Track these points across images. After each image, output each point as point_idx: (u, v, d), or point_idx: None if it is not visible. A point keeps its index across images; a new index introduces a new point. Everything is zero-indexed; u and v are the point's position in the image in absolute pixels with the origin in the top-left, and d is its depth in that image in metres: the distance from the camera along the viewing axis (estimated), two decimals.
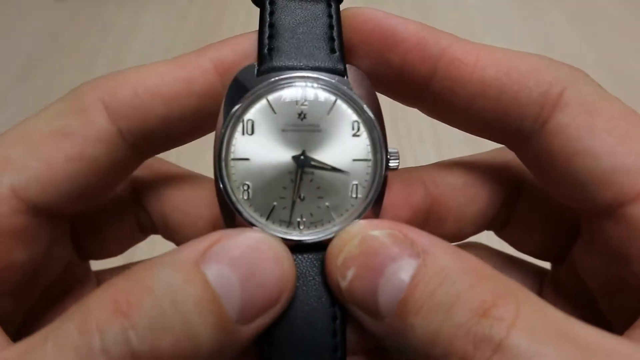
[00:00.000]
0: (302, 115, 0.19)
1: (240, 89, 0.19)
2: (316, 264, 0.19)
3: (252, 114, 0.19)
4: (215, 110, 0.20)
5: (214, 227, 0.23)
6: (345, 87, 0.19)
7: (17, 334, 0.20)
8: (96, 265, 0.26)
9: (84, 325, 0.15)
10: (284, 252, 0.18)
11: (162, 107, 0.20)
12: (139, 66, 0.20)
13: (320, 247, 0.19)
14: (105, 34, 0.71)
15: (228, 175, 0.19)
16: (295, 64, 0.19)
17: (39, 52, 0.68)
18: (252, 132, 0.19)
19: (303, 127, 0.19)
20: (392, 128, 0.56)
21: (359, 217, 0.19)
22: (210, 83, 0.20)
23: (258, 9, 0.20)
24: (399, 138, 0.55)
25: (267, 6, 0.20)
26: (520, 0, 0.75)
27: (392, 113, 0.58)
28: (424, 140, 0.55)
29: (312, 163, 0.19)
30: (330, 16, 0.20)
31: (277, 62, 0.19)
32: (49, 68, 0.66)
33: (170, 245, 0.26)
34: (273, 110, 0.19)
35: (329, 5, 0.20)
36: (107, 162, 0.20)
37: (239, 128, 0.19)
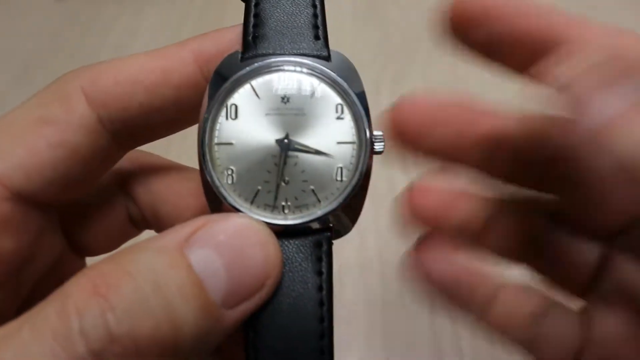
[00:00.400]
0: (285, 99, 0.19)
1: (224, 74, 0.19)
2: (302, 250, 0.19)
3: (235, 98, 0.19)
4: (196, 102, 0.20)
5: None
6: (329, 71, 0.19)
7: None
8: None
9: (62, 308, 0.15)
10: (269, 237, 0.18)
11: (141, 96, 0.20)
12: (122, 57, 0.21)
13: (306, 231, 0.19)
14: (105, 34, 0.71)
15: (212, 160, 0.19)
16: (279, 51, 0.20)
17: (39, 52, 0.68)
18: (236, 117, 0.19)
19: (287, 111, 0.19)
20: None
21: (345, 200, 0.19)
22: (190, 74, 0.20)
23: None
24: None
25: None
26: None
27: None
28: None
29: (296, 146, 0.19)
30: (314, 6, 0.20)
31: (261, 50, 0.20)
32: (49, 68, 0.66)
33: None
34: (257, 94, 0.19)
35: (314, 6, 0.20)
36: (88, 149, 0.20)
37: (223, 113, 0.19)
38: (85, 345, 0.14)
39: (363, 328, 0.39)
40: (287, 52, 0.20)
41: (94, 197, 0.24)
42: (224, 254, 0.16)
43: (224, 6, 0.74)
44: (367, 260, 0.44)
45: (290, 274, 0.18)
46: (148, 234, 0.26)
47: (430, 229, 0.23)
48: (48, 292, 0.22)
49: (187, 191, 0.24)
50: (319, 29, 0.20)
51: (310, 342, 0.18)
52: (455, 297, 0.23)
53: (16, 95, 0.62)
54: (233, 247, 0.17)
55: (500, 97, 0.61)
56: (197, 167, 0.23)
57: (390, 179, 0.50)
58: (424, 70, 0.64)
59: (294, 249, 0.19)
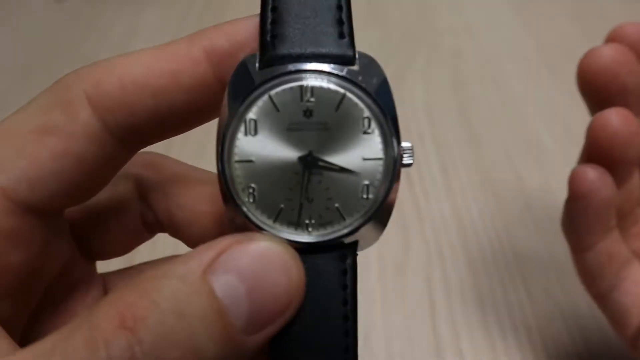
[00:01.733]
0: (308, 113, 0.18)
1: (242, 84, 0.18)
2: (327, 264, 0.18)
3: (254, 112, 0.18)
4: (207, 102, 0.19)
5: (219, 223, 0.23)
6: (355, 79, 0.18)
7: (23, 337, 0.20)
8: (100, 267, 0.26)
9: (90, 338, 0.15)
10: (292, 260, 0.17)
11: (149, 100, 0.19)
12: (127, 54, 0.19)
13: (330, 247, 0.18)
14: (105, 34, 0.71)
15: (232, 177, 0.18)
16: (300, 52, 0.18)
17: (39, 52, 0.68)
18: (256, 133, 0.18)
19: (309, 125, 0.18)
20: None
21: (370, 217, 0.18)
22: (201, 75, 0.19)
23: (259, 9, 0.19)
24: None
25: None
26: (521, 0, 0.75)
27: None
28: (424, 140, 0.55)
29: (320, 164, 0.18)
30: None
31: (280, 51, 0.18)
32: (49, 68, 0.66)
33: (171, 243, 0.26)
34: (276, 108, 0.18)
35: None
36: (94, 157, 0.19)
37: (242, 128, 0.18)
38: None
39: (363, 328, 0.39)
40: (309, 54, 0.18)
41: (108, 202, 0.23)
42: (247, 279, 0.16)
43: (224, 6, 0.74)
44: (367, 260, 0.44)
45: (316, 289, 0.18)
46: (162, 237, 0.26)
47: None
48: (56, 297, 0.22)
49: (204, 196, 0.23)
50: (344, 24, 0.18)
51: (335, 355, 0.18)
52: None
53: (16, 95, 0.62)
54: (256, 272, 0.16)
55: (501, 97, 0.61)
56: (212, 169, 0.23)
57: None
58: (424, 70, 0.64)
59: (318, 264, 0.18)
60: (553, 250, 0.44)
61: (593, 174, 0.29)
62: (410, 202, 0.48)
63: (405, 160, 0.18)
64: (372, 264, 0.44)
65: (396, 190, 0.18)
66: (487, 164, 0.52)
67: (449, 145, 0.54)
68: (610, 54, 0.29)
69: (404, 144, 0.18)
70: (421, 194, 0.49)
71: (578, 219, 0.30)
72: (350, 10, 0.19)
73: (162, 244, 0.27)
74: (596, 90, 0.30)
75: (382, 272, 0.43)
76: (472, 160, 0.52)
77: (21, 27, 0.73)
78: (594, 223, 0.30)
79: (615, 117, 0.28)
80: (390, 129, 0.18)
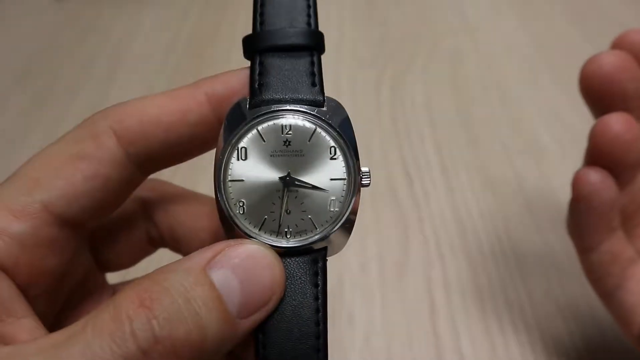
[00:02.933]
0: (287, 143, 0.22)
1: (236, 120, 0.23)
2: (302, 266, 0.22)
3: (245, 142, 0.22)
4: (207, 136, 0.24)
5: (216, 237, 0.27)
6: (323, 117, 0.23)
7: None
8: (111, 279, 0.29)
9: (116, 315, 0.18)
10: (275, 260, 0.21)
11: (162, 134, 0.23)
12: (142, 97, 0.24)
13: (305, 251, 0.22)
14: (105, 34, 0.71)
15: (226, 194, 0.22)
16: (281, 97, 0.23)
17: (39, 52, 0.68)
18: (246, 158, 0.22)
19: (288, 152, 0.22)
20: (392, 128, 0.56)
21: (336, 226, 0.22)
22: (204, 114, 0.24)
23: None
24: (398, 139, 0.55)
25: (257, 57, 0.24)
26: (520, 0, 0.75)
27: (392, 114, 0.58)
28: (424, 140, 0.55)
29: (296, 182, 0.22)
30: (311, 55, 0.24)
31: (266, 96, 0.23)
32: (49, 68, 0.66)
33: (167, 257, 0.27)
34: (262, 139, 0.22)
35: (311, 55, 0.24)
36: (117, 179, 0.23)
37: (235, 154, 0.22)
38: (136, 344, 0.18)
39: (363, 327, 0.40)
40: (288, 98, 0.23)
41: (120, 221, 0.28)
42: (239, 274, 0.20)
43: (224, 6, 0.74)
44: (367, 260, 0.44)
45: (292, 286, 0.22)
46: (162, 251, 0.30)
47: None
48: (76, 302, 0.26)
49: (201, 215, 0.28)
50: (315, 76, 0.23)
51: (309, 342, 0.22)
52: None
53: (16, 95, 0.62)
54: (246, 268, 0.20)
55: (501, 97, 0.61)
56: (202, 189, 0.29)
57: (390, 180, 0.51)
58: (424, 70, 0.64)
59: (295, 265, 0.22)
60: (553, 250, 0.44)
61: (595, 177, 0.30)
62: (410, 202, 0.49)
63: (364, 181, 0.23)
64: (372, 263, 0.44)
65: (356, 208, 0.23)
66: (487, 164, 0.52)
67: (449, 145, 0.54)
68: (612, 61, 0.30)
69: (363, 168, 0.23)
70: (421, 194, 0.49)
71: (581, 220, 0.31)
72: (320, 65, 0.24)
73: (156, 261, 0.30)
74: (598, 96, 0.31)
75: (382, 272, 0.43)
76: (472, 160, 0.52)
77: (21, 27, 0.73)
78: (597, 224, 0.31)
79: (616, 122, 0.30)
80: (352, 156, 0.23)
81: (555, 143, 0.54)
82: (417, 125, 0.56)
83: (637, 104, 0.31)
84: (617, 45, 0.31)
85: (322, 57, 0.24)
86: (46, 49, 0.69)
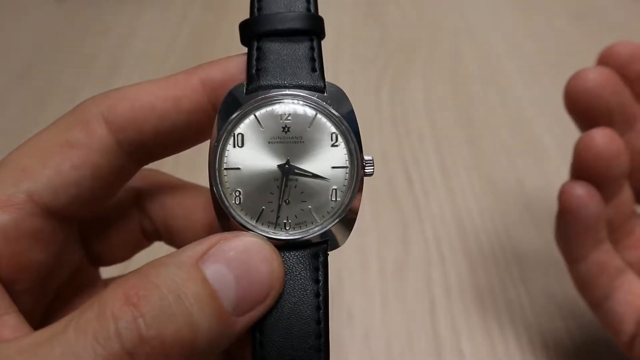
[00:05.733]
0: (286, 129, 0.21)
1: (232, 106, 0.21)
2: (302, 261, 0.21)
3: (242, 128, 0.21)
4: (203, 124, 0.23)
5: (212, 231, 0.26)
6: (324, 103, 0.21)
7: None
8: (104, 273, 0.28)
9: (101, 313, 0.17)
10: (273, 253, 0.20)
11: (155, 121, 0.22)
12: (135, 84, 0.23)
13: (305, 244, 0.21)
14: (105, 34, 0.71)
15: (221, 182, 0.21)
16: (280, 83, 0.22)
17: (39, 52, 0.68)
18: (242, 145, 0.21)
19: (287, 139, 0.21)
20: (392, 128, 0.56)
21: (338, 217, 0.21)
22: (199, 100, 0.22)
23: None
24: (398, 138, 0.55)
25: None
26: (521, 0, 0.75)
27: (392, 113, 0.58)
28: (424, 140, 0.55)
29: (296, 171, 0.21)
30: (311, 40, 0.22)
31: (264, 81, 0.22)
32: (49, 68, 0.66)
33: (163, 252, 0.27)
34: (260, 124, 0.21)
35: (311, 40, 0.22)
36: (108, 168, 0.22)
37: (231, 141, 0.21)
38: (120, 345, 0.17)
39: (363, 327, 0.39)
40: (287, 84, 0.22)
41: (112, 212, 0.27)
42: (234, 268, 0.19)
43: (224, 6, 0.74)
44: (367, 260, 0.44)
45: (292, 282, 0.21)
46: (157, 245, 0.29)
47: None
48: (67, 298, 0.25)
49: (196, 207, 0.26)
50: (315, 61, 0.22)
51: (309, 341, 0.20)
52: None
53: (16, 95, 0.62)
54: (242, 262, 0.19)
55: (501, 97, 0.61)
56: (203, 184, 0.27)
57: (390, 180, 0.51)
58: (424, 70, 0.64)
59: (294, 260, 0.21)
60: (553, 250, 0.44)
61: (580, 191, 0.30)
62: (411, 202, 0.49)
63: (367, 170, 0.21)
64: (372, 263, 0.44)
65: (359, 199, 0.21)
66: (487, 164, 0.52)
67: (449, 145, 0.54)
68: (594, 77, 0.31)
69: (366, 157, 0.22)
70: (421, 194, 0.49)
71: (569, 232, 0.31)
72: (320, 49, 0.22)
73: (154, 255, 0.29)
74: (582, 111, 0.31)
75: (382, 272, 0.43)
76: (472, 160, 0.52)
77: (21, 27, 0.73)
78: (584, 236, 0.31)
79: (599, 138, 0.30)
80: (354, 143, 0.21)
81: (556, 143, 0.54)
82: (417, 125, 0.56)
83: (621, 118, 0.31)
84: (604, 57, 0.32)
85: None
86: (46, 49, 0.69)
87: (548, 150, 0.53)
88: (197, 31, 0.71)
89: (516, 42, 0.68)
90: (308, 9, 0.23)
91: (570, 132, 0.54)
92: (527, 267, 0.43)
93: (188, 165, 0.25)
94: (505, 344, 0.38)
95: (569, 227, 0.31)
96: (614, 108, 0.31)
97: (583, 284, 0.32)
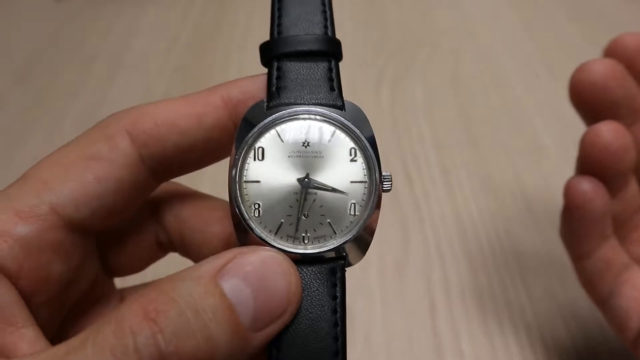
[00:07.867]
0: (305, 143, 0.22)
1: (252, 121, 0.22)
2: (319, 276, 0.21)
3: (262, 142, 0.22)
4: (224, 141, 0.23)
5: (227, 244, 0.26)
6: (343, 119, 0.22)
7: (52, 344, 0.22)
8: (118, 283, 0.28)
9: (119, 329, 0.17)
10: (291, 268, 0.20)
11: (177, 137, 0.23)
12: (157, 101, 0.23)
13: (323, 260, 0.21)
14: (105, 34, 0.71)
15: (241, 195, 0.21)
16: (299, 100, 0.22)
17: (39, 52, 0.68)
18: (263, 158, 0.21)
19: (307, 153, 0.21)
20: (392, 128, 0.56)
21: (357, 232, 0.21)
22: (220, 118, 0.23)
23: (257, 11, 0.21)
24: (399, 138, 0.55)
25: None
26: (521, 0, 0.75)
27: (392, 114, 0.58)
28: (424, 140, 0.55)
29: (315, 185, 0.21)
30: (329, 61, 0.23)
31: (284, 99, 0.22)
32: (49, 68, 0.66)
33: (177, 262, 0.27)
34: (281, 139, 0.22)
35: (329, 61, 0.23)
36: (129, 183, 0.23)
37: (251, 154, 0.21)
38: None
39: (363, 328, 0.39)
40: (306, 102, 0.22)
41: (128, 224, 0.27)
42: (252, 283, 0.19)
43: (224, 6, 0.74)
44: (367, 261, 0.44)
45: (309, 297, 0.21)
46: (171, 256, 0.28)
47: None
48: (83, 309, 0.25)
49: (213, 219, 0.26)
50: (333, 81, 0.23)
51: (327, 359, 0.20)
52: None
53: (16, 95, 0.62)
54: (259, 277, 0.19)
55: (501, 97, 0.61)
56: (221, 196, 0.27)
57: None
58: (424, 70, 0.64)
59: (312, 275, 0.21)
60: (553, 250, 0.44)
61: (586, 186, 0.30)
62: (411, 202, 0.49)
63: (385, 186, 0.22)
64: (372, 263, 0.44)
65: (377, 217, 0.22)
66: (487, 164, 0.52)
67: (449, 145, 0.54)
68: (600, 69, 0.30)
69: (384, 173, 0.22)
70: (421, 194, 0.49)
71: (574, 228, 0.31)
72: (338, 71, 0.23)
73: (164, 266, 0.29)
74: (587, 104, 0.31)
75: (382, 272, 0.43)
76: (472, 160, 0.52)
77: (21, 27, 0.73)
78: (590, 232, 0.31)
79: (606, 131, 0.29)
80: (373, 159, 0.22)
81: (555, 143, 0.54)
82: (417, 125, 0.56)
83: (627, 111, 0.31)
84: (610, 49, 0.31)
85: None
86: (46, 49, 0.69)
87: (548, 150, 0.53)
88: (197, 31, 0.71)
89: (516, 42, 0.68)
90: (325, 32, 0.24)
91: (570, 132, 0.54)
92: (527, 267, 0.43)
93: (211, 180, 0.25)
94: (505, 344, 0.38)
95: (575, 223, 0.31)
96: (620, 100, 0.30)
97: (588, 281, 0.32)
